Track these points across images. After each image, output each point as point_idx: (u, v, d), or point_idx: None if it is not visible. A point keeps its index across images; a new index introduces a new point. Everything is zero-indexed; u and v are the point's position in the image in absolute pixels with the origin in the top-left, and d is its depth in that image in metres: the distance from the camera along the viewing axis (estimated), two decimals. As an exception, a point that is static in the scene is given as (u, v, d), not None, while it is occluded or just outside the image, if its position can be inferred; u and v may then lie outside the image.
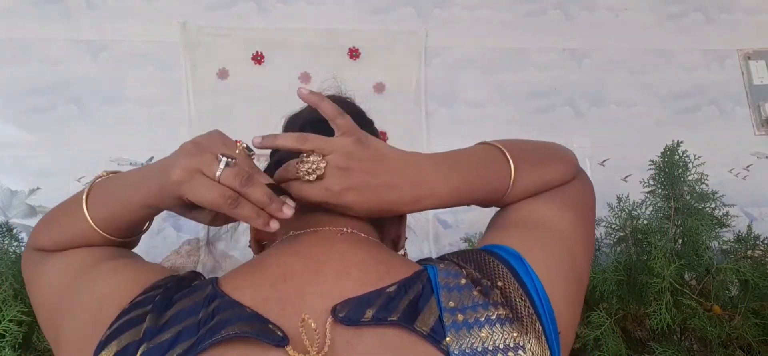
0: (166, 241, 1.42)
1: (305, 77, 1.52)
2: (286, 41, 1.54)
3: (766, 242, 1.05)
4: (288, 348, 0.37)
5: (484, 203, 0.57)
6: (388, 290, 0.42)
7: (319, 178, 0.46)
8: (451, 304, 0.41)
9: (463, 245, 1.26)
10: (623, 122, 1.62)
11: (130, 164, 1.43)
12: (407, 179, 0.49)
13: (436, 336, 0.39)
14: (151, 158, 1.45)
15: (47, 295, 0.51)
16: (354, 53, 1.56)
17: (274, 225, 0.46)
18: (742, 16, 1.75)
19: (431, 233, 1.49)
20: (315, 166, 0.46)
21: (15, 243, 1.07)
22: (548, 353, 0.41)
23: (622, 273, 1.02)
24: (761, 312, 0.98)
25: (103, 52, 1.50)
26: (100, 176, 0.55)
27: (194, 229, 1.44)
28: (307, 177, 0.47)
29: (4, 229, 1.09)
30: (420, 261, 0.51)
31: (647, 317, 0.98)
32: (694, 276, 1.03)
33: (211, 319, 0.39)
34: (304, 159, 0.47)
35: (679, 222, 1.03)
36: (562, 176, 0.59)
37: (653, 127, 1.62)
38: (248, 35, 1.53)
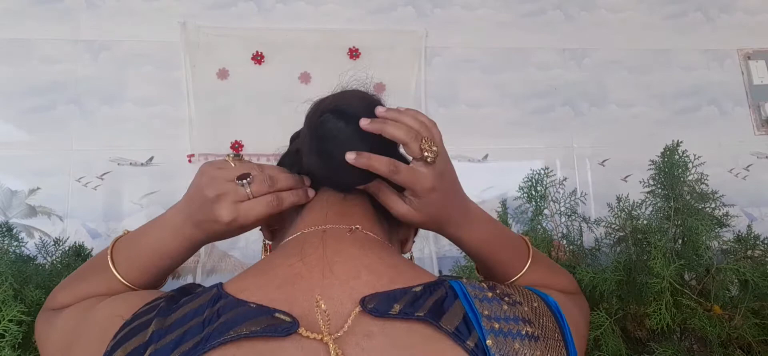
0: (166, 241, 1.42)
1: (305, 77, 1.52)
2: (286, 41, 1.54)
3: (766, 242, 1.05)
4: (300, 329, 0.38)
5: (496, 272, 0.61)
6: (414, 289, 0.43)
7: (432, 162, 0.49)
8: (486, 312, 0.42)
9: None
10: (623, 122, 1.62)
11: (130, 163, 1.43)
12: (462, 207, 0.56)
13: (461, 336, 0.40)
14: (151, 158, 1.45)
15: (57, 340, 0.51)
16: (354, 53, 1.56)
17: (312, 192, 0.54)
18: (742, 16, 1.75)
19: (431, 233, 1.48)
20: (434, 149, 0.49)
21: (15, 243, 1.07)
22: None
23: (622, 272, 1.02)
24: (761, 312, 0.98)
25: (103, 52, 1.50)
26: (120, 237, 0.59)
27: (194, 229, 1.43)
28: (427, 155, 0.49)
29: (4, 229, 1.09)
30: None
31: (647, 317, 0.98)
32: (694, 275, 1.03)
33: (217, 319, 0.39)
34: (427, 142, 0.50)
35: (679, 222, 1.03)
36: (567, 285, 0.65)
37: (653, 127, 1.62)
38: (248, 35, 1.53)
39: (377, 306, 0.40)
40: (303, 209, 0.54)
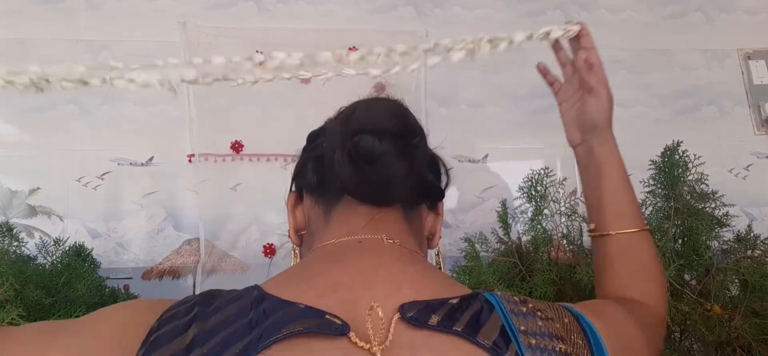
0: (166, 241, 1.42)
1: (305, 77, 1.52)
2: (286, 41, 1.54)
3: (766, 242, 1.05)
4: (351, 334, 0.38)
5: (610, 210, 0.63)
6: (451, 301, 0.42)
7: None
8: (523, 328, 0.41)
9: (463, 245, 1.26)
10: (623, 122, 1.62)
11: (130, 163, 1.44)
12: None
13: (498, 350, 0.39)
14: (151, 158, 1.45)
15: None
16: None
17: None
18: (742, 16, 1.75)
19: (431, 233, 1.49)
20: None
21: (15, 243, 1.07)
22: None
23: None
24: (761, 312, 0.98)
25: (104, 52, 1.50)
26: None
27: (194, 229, 1.44)
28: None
29: (4, 229, 1.09)
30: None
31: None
32: (694, 275, 1.03)
33: (265, 319, 0.39)
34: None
35: (679, 222, 1.03)
36: (659, 293, 0.62)
37: (653, 127, 1.62)
38: (248, 35, 1.53)
39: (417, 315, 0.40)
40: (332, 214, 0.53)
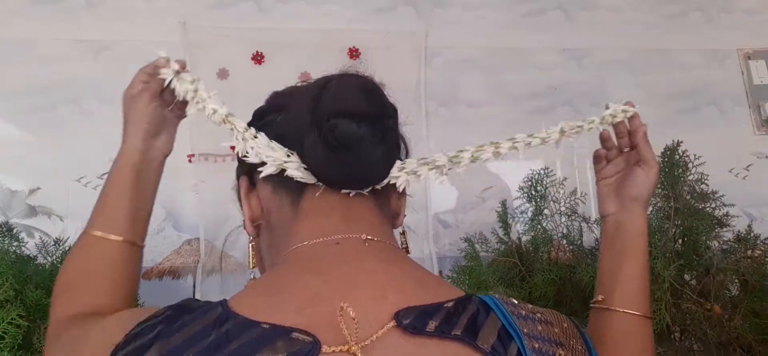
0: (166, 241, 1.42)
1: (305, 77, 1.52)
2: (286, 41, 1.54)
3: (766, 242, 1.05)
4: (324, 348, 0.36)
5: (621, 283, 0.61)
6: (446, 305, 0.41)
7: None
8: (526, 331, 0.40)
9: (463, 245, 1.26)
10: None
11: (130, 164, 1.43)
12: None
13: (497, 354, 0.38)
14: (151, 158, 1.45)
15: None
16: (354, 53, 1.56)
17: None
18: (742, 16, 1.75)
19: (431, 233, 1.49)
20: None
21: (15, 243, 1.07)
22: None
23: (622, 273, 1.02)
24: (761, 312, 0.98)
25: (104, 52, 1.50)
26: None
27: (195, 229, 1.44)
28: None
29: (4, 229, 1.09)
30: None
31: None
32: (694, 275, 1.03)
33: (227, 343, 0.36)
34: None
35: (679, 222, 1.03)
36: None
37: (653, 127, 1.61)
38: (248, 35, 1.53)
39: (413, 322, 0.38)
40: (300, 205, 0.49)
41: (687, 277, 1.03)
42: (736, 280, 1.02)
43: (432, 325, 0.38)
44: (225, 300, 0.40)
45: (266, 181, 0.51)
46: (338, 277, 0.42)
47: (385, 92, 0.51)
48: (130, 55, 1.49)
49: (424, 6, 1.63)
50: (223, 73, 1.50)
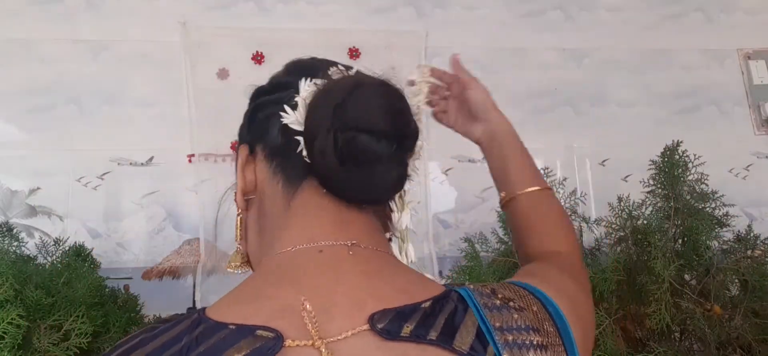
0: (166, 241, 1.42)
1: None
2: (286, 41, 1.54)
3: (766, 242, 1.05)
4: (287, 341, 0.35)
5: (512, 172, 0.68)
6: (423, 305, 0.40)
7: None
8: (498, 324, 0.40)
9: (463, 245, 1.26)
10: (623, 122, 1.62)
11: (130, 163, 1.44)
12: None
13: (476, 354, 0.37)
14: (151, 158, 1.45)
15: None
16: (354, 53, 1.56)
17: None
18: (742, 16, 1.75)
19: (431, 233, 1.49)
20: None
21: (15, 243, 1.07)
22: None
23: (622, 272, 1.02)
24: (761, 312, 0.98)
25: (104, 52, 1.50)
26: None
27: (194, 229, 1.44)
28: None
29: (5, 229, 1.09)
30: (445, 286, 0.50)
31: (647, 317, 0.98)
32: (694, 275, 1.03)
33: (196, 346, 0.37)
34: None
35: (679, 222, 1.03)
36: (573, 241, 0.66)
37: (653, 127, 1.62)
38: (248, 35, 1.53)
39: (388, 326, 0.37)
40: (294, 199, 0.47)
41: (687, 277, 1.03)
42: (736, 280, 1.02)
43: (407, 329, 0.37)
44: (203, 308, 0.41)
45: (268, 158, 0.50)
46: (314, 288, 0.41)
47: (403, 89, 0.49)
48: (130, 55, 1.50)
49: (424, 6, 1.63)
50: (223, 73, 1.50)
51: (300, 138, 0.47)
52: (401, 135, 0.46)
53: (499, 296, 0.43)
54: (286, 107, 0.49)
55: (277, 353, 0.35)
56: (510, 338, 0.39)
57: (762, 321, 0.97)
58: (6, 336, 0.84)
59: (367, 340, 0.37)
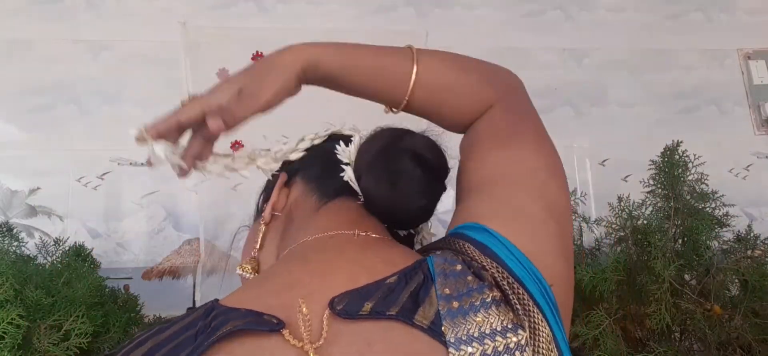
0: (166, 241, 1.42)
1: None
2: (286, 41, 1.54)
3: (766, 242, 1.05)
4: (284, 331, 0.36)
5: (383, 92, 0.56)
6: (387, 281, 0.40)
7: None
8: (447, 291, 0.39)
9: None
10: (623, 122, 1.62)
11: (130, 164, 1.43)
12: (272, 64, 0.58)
13: (436, 329, 0.37)
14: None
15: None
16: (354, 53, 1.56)
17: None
18: (742, 16, 1.75)
19: (431, 233, 1.48)
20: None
21: (15, 243, 1.07)
22: (547, 327, 0.39)
23: (622, 272, 1.02)
24: (761, 312, 0.98)
25: (103, 52, 1.50)
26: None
27: (194, 229, 1.44)
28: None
29: (5, 229, 1.09)
30: (422, 249, 0.52)
31: (647, 317, 0.98)
32: (694, 275, 1.03)
33: (208, 327, 0.38)
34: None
35: (679, 222, 1.03)
36: (483, 87, 0.62)
37: (653, 127, 1.62)
38: (248, 35, 1.53)
39: (346, 306, 0.38)
40: (321, 208, 0.54)
41: (687, 277, 1.03)
42: (736, 280, 1.02)
43: (367, 307, 0.38)
44: (217, 299, 0.42)
45: (305, 182, 0.57)
46: (317, 262, 0.44)
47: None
48: (130, 55, 1.50)
49: (425, 6, 1.63)
50: (223, 74, 1.50)
51: (346, 167, 0.56)
52: (438, 166, 0.54)
53: (462, 261, 0.42)
54: (341, 143, 0.58)
55: (274, 334, 0.37)
56: (456, 305, 0.38)
57: (762, 321, 0.97)
58: (6, 336, 0.84)
59: (335, 324, 0.38)
